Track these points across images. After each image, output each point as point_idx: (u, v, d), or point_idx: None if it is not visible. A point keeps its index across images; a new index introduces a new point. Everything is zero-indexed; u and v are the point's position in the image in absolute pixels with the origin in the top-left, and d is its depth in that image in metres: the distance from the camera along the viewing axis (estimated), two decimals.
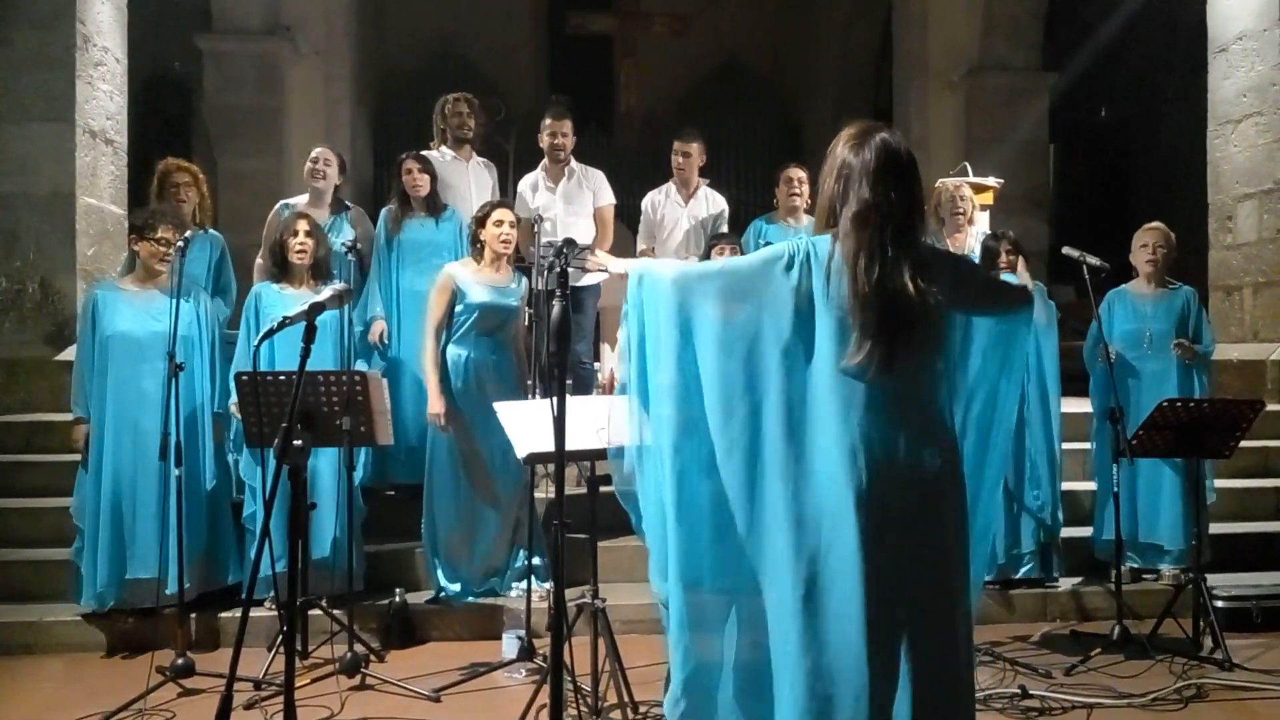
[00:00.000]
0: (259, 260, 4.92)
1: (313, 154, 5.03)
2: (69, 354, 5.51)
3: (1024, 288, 2.34)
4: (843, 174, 2.09)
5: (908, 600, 2.02)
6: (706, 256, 4.65)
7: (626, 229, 5.74)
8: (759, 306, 2.11)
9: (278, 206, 5.02)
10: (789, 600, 2.04)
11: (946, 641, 2.06)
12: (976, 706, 2.22)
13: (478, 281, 4.35)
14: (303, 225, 4.30)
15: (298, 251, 4.27)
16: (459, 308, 4.34)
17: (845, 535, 2.01)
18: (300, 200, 5.01)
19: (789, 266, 2.09)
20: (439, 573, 4.40)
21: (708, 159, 5.70)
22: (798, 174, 5.31)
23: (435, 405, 4.29)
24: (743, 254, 4.67)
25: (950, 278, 2.12)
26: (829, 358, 2.05)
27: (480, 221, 4.38)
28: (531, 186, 5.43)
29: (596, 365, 6.28)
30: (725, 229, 5.46)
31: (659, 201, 5.57)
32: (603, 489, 3.21)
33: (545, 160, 5.43)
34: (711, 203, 5.57)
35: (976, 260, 4.83)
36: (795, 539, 2.05)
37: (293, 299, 4.09)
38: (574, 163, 5.43)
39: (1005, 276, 4.71)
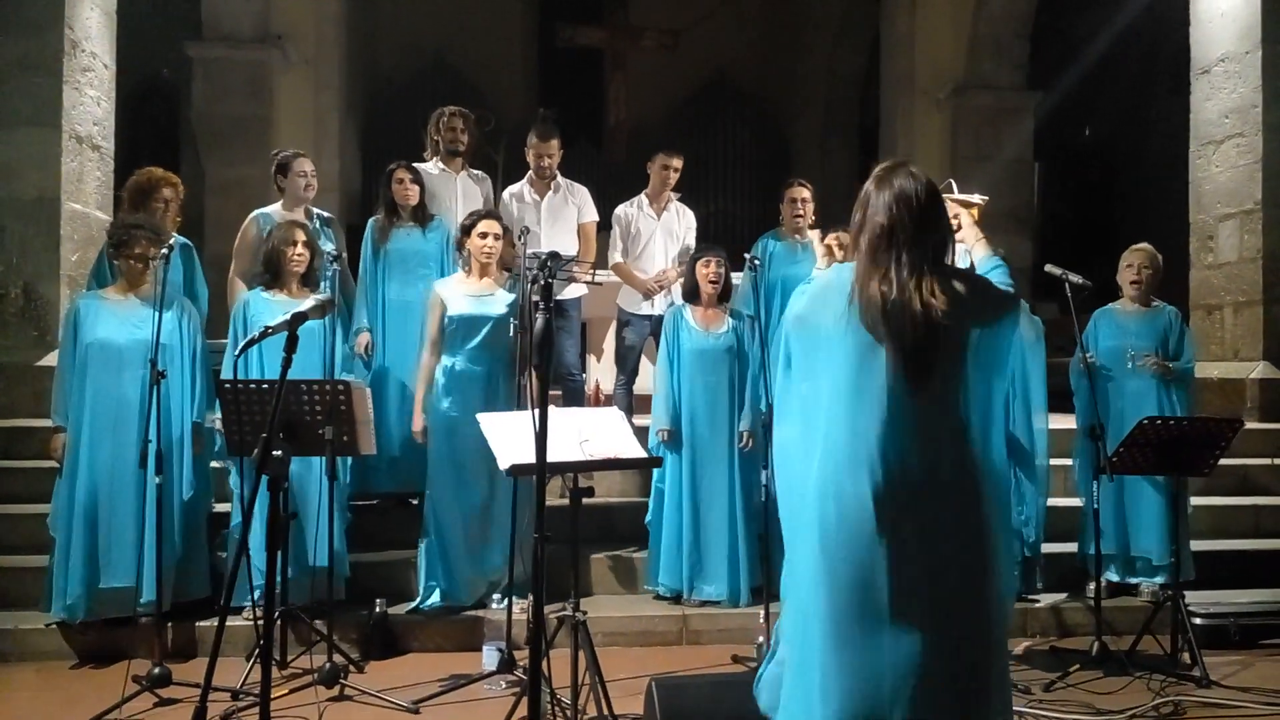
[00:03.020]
0: (234, 275, 4.85)
1: (301, 168, 4.89)
2: (52, 359, 5.47)
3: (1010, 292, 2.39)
4: (863, 204, 2.25)
5: (924, 612, 2.07)
6: (691, 270, 4.69)
7: None
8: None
9: (255, 215, 4.96)
10: (816, 611, 2.15)
11: (974, 647, 2.10)
12: None
13: (460, 293, 4.38)
14: (300, 235, 4.34)
15: (296, 261, 4.30)
16: (446, 320, 4.35)
17: (864, 548, 2.10)
18: (275, 209, 4.95)
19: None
20: (434, 586, 4.37)
21: (697, 172, 5.71)
22: (801, 194, 5.36)
23: (418, 421, 4.37)
24: (729, 267, 4.70)
25: (974, 296, 2.20)
26: (850, 376, 2.16)
27: (466, 230, 4.41)
28: (516, 198, 5.43)
29: (584, 376, 6.28)
30: (693, 242, 5.52)
31: (632, 215, 5.58)
32: (585, 501, 3.23)
33: (531, 173, 5.44)
34: (683, 216, 5.64)
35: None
36: (821, 557, 2.16)
37: (282, 307, 4.08)
38: (560, 178, 5.44)
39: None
